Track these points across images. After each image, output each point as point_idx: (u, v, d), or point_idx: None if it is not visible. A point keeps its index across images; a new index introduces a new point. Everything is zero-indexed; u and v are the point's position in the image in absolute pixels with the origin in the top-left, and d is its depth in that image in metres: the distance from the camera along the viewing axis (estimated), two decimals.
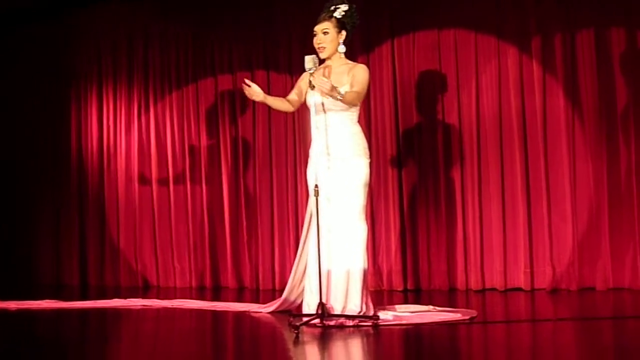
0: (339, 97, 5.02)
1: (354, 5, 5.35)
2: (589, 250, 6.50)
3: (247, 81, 5.38)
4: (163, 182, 7.93)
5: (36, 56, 8.55)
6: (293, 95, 5.52)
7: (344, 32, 5.32)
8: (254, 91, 5.35)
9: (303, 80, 5.46)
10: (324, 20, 5.29)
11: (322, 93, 5.08)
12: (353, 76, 5.26)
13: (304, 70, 5.20)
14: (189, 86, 7.92)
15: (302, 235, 5.54)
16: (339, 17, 5.28)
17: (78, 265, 8.27)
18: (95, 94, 8.31)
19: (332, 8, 5.30)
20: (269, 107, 7.42)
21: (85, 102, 8.34)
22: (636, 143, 6.43)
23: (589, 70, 6.57)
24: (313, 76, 5.09)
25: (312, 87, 5.07)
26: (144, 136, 8.05)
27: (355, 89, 5.19)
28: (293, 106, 5.54)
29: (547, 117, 6.66)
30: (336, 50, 5.33)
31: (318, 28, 5.31)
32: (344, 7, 5.30)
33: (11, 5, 8.22)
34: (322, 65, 5.32)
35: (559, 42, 6.65)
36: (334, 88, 4.98)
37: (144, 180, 7.99)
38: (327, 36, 5.29)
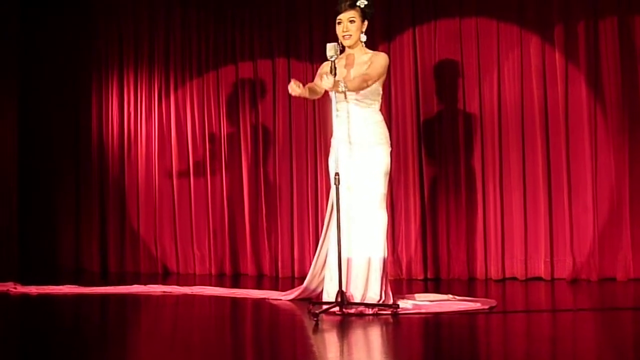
0: (342, 89, 5.03)
1: None
2: (609, 241, 6.47)
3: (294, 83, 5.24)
4: (183, 168, 7.94)
5: (58, 42, 8.57)
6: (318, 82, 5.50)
7: (366, 22, 5.36)
8: (294, 89, 5.20)
9: (324, 69, 5.45)
10: (349, 8, 5.29)
11: (329, 89, 5.06)
12: (371, 63, 5.28)
13: (325, 58, 5.20)
14: (210, 73, 7.91)
15: (324, 225, 5.55)
16: (362, 6, 5.29)
17: (98, 251, 8.30)
18: (116, 79, 8.31)
19: None
20: (289, 96, 7.46)
21: (107, 88, 8.35)
22: None
23: (611, 60, 6.51)
24: (335, 63, 5.09)
25: (334, 74, 5.07)
26: (165, 123, 8.06)
27: (363, 71, 5.22)
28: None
29: (569, 107, 6.61)
30: (359, 39, 5.34)
31: (344, 16, 5.30)
32: None
33: None
34: (344, 54, 5.35)
35: (581, 31, 6.59)
36: (336, 83, 4.99)
37: (164, 167, 8.01)
38: (354, 25, 5.30)
